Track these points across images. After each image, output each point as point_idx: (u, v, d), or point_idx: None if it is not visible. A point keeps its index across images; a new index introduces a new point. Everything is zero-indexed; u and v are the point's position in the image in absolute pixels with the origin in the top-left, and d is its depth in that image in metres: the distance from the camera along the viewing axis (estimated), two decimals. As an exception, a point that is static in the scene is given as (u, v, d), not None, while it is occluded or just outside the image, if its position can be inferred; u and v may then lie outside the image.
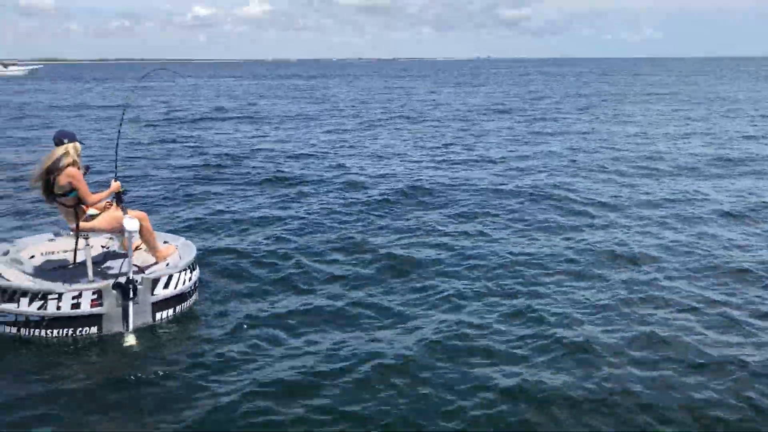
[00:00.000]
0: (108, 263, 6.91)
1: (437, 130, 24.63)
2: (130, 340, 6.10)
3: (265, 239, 9.62)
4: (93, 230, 6.51)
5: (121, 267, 6.61)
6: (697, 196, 12.67)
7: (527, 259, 8.67)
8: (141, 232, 6.64)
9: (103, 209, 6.71)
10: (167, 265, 6.76)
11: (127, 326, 6.22)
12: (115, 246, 7.26)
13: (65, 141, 6.41)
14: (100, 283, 6.21)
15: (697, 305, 7.12)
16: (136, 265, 6.62)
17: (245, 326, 6.51)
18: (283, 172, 15.26)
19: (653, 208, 11.67)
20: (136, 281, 6.29)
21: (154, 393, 5.28)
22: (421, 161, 17.10)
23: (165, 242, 7.42)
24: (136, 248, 7.04)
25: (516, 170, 15.69)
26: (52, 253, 7.11)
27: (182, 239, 7.55)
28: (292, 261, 8.59)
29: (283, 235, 9.79)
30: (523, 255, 8.85)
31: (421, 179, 14.24)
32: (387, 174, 15.06)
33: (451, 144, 20.75)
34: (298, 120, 28.76)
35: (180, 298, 6.67)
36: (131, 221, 6.34)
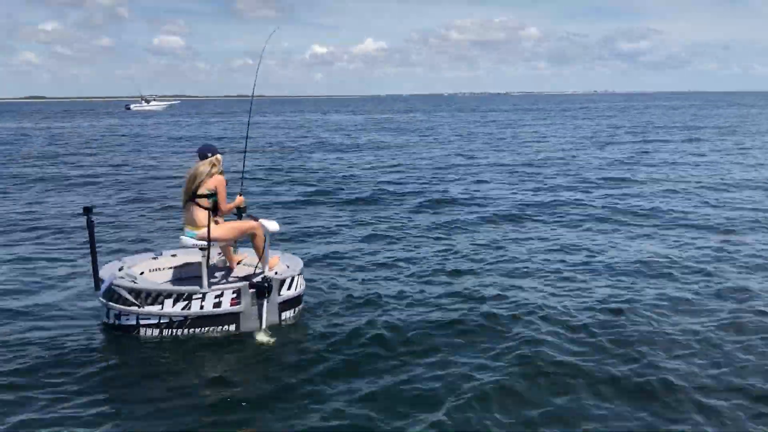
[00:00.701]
0: (213, 273, 7.24)
1: (530, 157, 24.77)
2: (264, 337, 6.46)
3: (366, 255, 9.97)
4: (216, 239, 6.80)
5: (255, 268, 7.09)
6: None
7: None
8: (255, 239, 7.07)
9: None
10: (275, 273, 6.98)
11: (261, 324, 6.62)
12: (213, 259, 7.49)
13: (209, 154, 6.97)
14: (240, 283, 6.60)
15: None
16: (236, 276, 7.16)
17: (350, 333, 6.65)
18: (383, 193, 16.03)
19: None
20: (271, 281, 6.66)
21: (289, 388, 5.50)
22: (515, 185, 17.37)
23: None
24: (239, 262, 7.50)
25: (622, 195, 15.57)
26: (158, 269, 7.44)
27: (281, 252, 7.89)
28: (395, 277, 8.75)
29: (386, 254, 10.06)
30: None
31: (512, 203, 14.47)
32: (481, 197, 15.37)
33: (539, 167, 21.14)
34: (395, 149, 29.77)
35: (297, 300, 7.06)
36: (272, 223, 6.86)
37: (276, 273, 6.99)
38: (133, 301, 6.49)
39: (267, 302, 6.64)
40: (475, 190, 16.49)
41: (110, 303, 6.61)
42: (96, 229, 6.97)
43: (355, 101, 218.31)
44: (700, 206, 13.78)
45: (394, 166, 22.00)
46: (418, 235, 11.33)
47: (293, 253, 8.00)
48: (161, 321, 6.50)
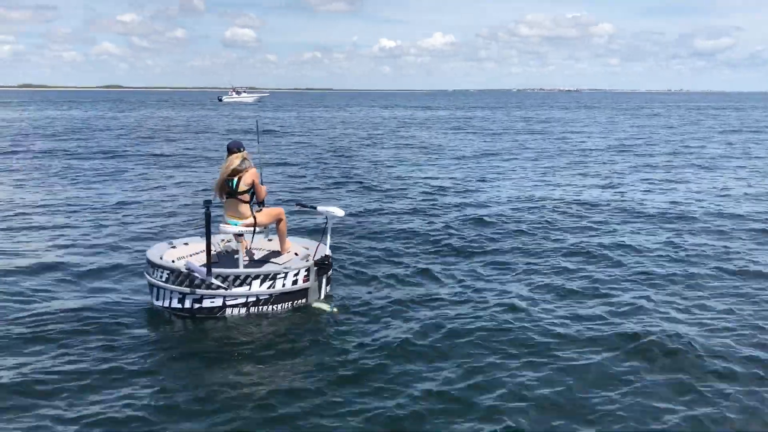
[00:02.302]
0: (235, 258, 7.95)
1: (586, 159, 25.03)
2: (324, 306, 7.74)
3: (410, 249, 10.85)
4: (260, 224, 7.83)
5: (317, 249, 8.06)
6: None
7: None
8: (279, 224, 8.12)
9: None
10: (296, 254, 8.21)
11: (320, 295, 7.91)
12: (232, 245, 8.45)
13: (241, 149, 7.77)
14: (309, 262, 7.70)
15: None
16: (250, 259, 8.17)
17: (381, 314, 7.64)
18: (434, 194, 16.75)
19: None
20: (331, 260, 8.01)
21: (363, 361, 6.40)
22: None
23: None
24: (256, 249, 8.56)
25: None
26: (183, 257, 7.96)
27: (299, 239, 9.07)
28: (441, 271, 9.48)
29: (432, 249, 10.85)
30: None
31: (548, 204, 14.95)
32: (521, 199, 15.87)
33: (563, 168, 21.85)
34: (449, 149, 29.72)
35: (329, 279, 8.23)
36: (340, 209, 8.21)
37: (296, 254, 8.18)
38: (219, 284, 7.23)
39: (325, 277, 7.92)
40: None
41: (191, 288, 7.24)
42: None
43: (421, 96, 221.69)
44: None
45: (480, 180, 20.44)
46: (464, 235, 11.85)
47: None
48: (248, 300, 7.38)
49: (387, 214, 14.03)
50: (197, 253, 8.03)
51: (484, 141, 34.09)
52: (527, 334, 7.03)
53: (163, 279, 7.34)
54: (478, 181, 18.99)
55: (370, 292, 8.41)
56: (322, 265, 7.80)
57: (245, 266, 7.63)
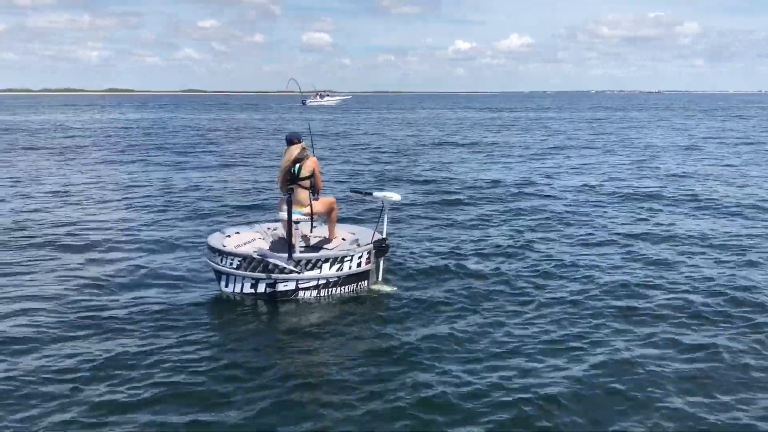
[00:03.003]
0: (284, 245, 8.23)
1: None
2: (383, 287, 8.25)
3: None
4: (316, 212, 8.24)
5: (374, 233, 8.44)
6: None
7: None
8: (331, 212, 8.51)
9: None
10: (343, 239, 8.64)
11: (378, 277, 8.37)
12: (278, 233, 8.82)
13: (300, 140, 8.26)
14: (370, 245, 8.09)
15: None
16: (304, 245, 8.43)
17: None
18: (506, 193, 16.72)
19: None
20: (388, 243, 8.35)
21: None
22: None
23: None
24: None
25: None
26: (245, 243, 8.34)
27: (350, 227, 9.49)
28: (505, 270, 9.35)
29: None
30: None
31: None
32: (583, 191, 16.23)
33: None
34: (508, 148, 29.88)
35: (384, 262, 8.63)
36: (396, 194, 8.50)
37: (344, 239, 8.61)
38: (292, 268, 7.62)
39: (382, 260, 8.35)
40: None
41: (266, 273, 7.65)
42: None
43: (497, 98, 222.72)
44: None
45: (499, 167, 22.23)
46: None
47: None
48: (319, 283, 7.80)
49: (448, 208, 14.47)
50: (252, 241, 8.44)
51: (553, 141, 33.58)
52: (590, 338, 6.82)
53: (234, 266, 7.72)
54: (545, 179, 18.80)
55: (426, 280, 8.78)
56: (379, 248, 8.19)
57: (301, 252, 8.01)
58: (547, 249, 10.43)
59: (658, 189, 16.48)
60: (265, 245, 8.32)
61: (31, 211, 13.70)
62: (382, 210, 8.59)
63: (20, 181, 18.40)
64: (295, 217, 7.85)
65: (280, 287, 7.70)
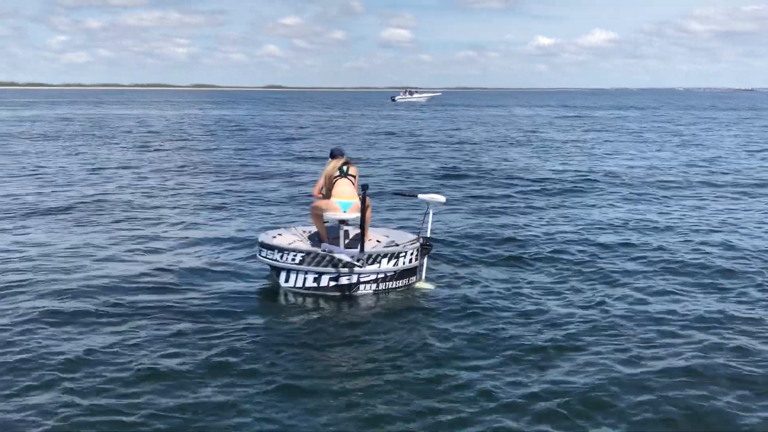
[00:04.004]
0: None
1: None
2: (426, 285, 8.66)
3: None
4: (359, 207, 8.47)
5: (420, 229, 9.00)
6: None
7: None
8: (367, 213, 8.52)
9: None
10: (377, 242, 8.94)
11: (422, 275, 8.80)
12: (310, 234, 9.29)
13: (344, 154, 8.90)
14: (417, 243, 8.61)
15: None
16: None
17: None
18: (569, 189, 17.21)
19: None
20: (429, 242, 8.79)
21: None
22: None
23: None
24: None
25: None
26: (289, 244, 8.66)
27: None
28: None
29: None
30: None
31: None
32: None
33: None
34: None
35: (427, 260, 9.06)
36: (441, 196, 9.00)
37: (378, 241, 8.91)
38: (355, 263, 8.06)
39: (426, 259, 8.82)
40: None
41: (329, 268, 8.11)
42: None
43: (578, 95, 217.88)
44: None
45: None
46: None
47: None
48: (378, 277, 8.28)
49: (502, 208, 14.58)
50: (295, 241, 8.94)
51: (623, 141, 32.52)
52: (632, 352, 6.64)
53: (297, 261, 8.17)
54: (606, 182, 18.43)
55: (470, 280, 9.06)
56: (424, 247, 8.68)
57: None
58: (602, 253, 10.39)
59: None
60: (307, 245, 8.72)
61: (95, 200, 15.05)
62: (426, 211, 8.98)
63: (100, 168, 20.83)
64: (344, 216, 8.46)
65: (343, 281, 8.17)
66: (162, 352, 6.49)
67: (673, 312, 7.73)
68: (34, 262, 9.59)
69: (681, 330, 7.18)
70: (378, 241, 9.00)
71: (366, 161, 23.51)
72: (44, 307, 7.70)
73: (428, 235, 8.89)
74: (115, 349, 6.54)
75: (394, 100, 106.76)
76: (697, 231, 12.06)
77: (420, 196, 9.12)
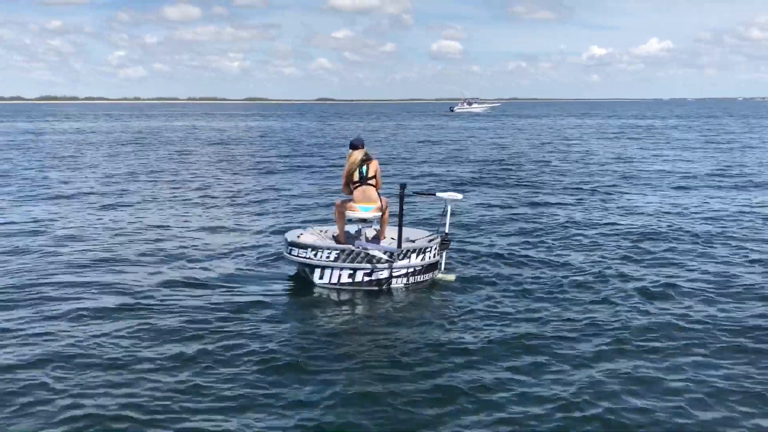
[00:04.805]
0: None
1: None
2: (446, 276, 9.11)
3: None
4: (384, 209, 8.99)
5: (438, 228, 9.46)
6: None
7: None
8: (386, 212, 9.04)
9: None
10: (392, 238, 9.11)
11: (442, 268, 9.27)
12: (330, 234, 9.60)
13: (363, 145, 9.05)
14: (438, 239, 9.09)
15: None
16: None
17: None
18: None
19: None
20: (448, 237, 9.24)
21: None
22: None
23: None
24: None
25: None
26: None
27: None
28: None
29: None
30: None
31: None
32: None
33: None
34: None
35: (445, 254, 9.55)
36: (457, 193, 9.39)
37: (393, 239, 9.05)
38: (388, 258, 8.50)
39: (445, 253, 9.29)
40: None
41: (364, 263, 8.51)
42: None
43: (632, 105, 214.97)
44: None
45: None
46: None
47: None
48: (408, 271, 8.71)
49: (532, 213, 14.60)
50: (320, 239, 9.32)
51: (667, 153, 31.49)
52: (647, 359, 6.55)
53: (332, 258, 8.54)
54: (639, 191, 18.08)
55: (484, 272, 9.55)
56: (443, 242, 9.14)
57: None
58: (629, 264, 10.12)
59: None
60: (328, 243, 9.01)
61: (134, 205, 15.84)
62: (444, 209, 9.32)
63: (140, 174, 22.11)
64: (367, 215, 8.89)
65: (377, 276, 8.59)
66: (204, 345, 6.76)
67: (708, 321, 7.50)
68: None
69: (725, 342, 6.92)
70: (393, 238, 9.15)
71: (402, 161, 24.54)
72: (92, 298, 8.29)
73: (447, 230, 9.25)
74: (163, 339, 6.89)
75: (452, 111, 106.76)
76: (747, 240, 11.60)
77: (438, 194, 9.42)
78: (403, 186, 8.67)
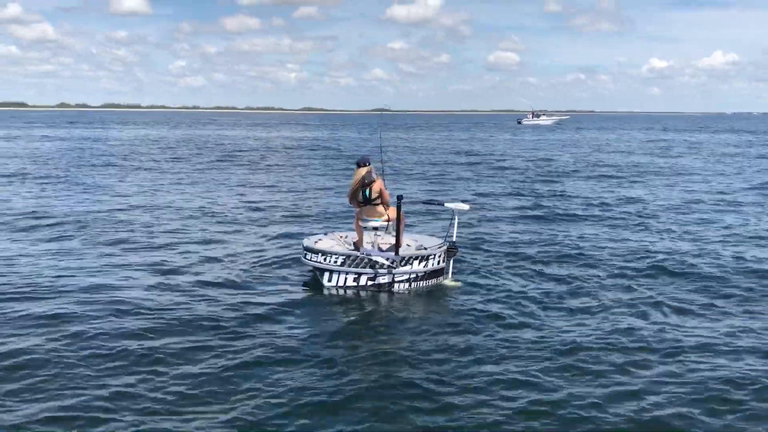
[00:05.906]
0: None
1: None
2: (452, 283, 9.47)
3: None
4: (392, 219, 9.35)
5: (447, 234, 9.84)
6: None
7: None
8: (401, 224, 9.25)
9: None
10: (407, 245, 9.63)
11: (447, 275, 9.62)
12: (348, 240, 10.11)
13: (368, 163, 9.43)
14: (444, 246, 9.48)
15: None
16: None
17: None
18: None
19: None
20: (455, 245, 9.63)
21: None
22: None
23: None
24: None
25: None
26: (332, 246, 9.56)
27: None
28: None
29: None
30: None
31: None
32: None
33: None
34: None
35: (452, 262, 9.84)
36: (465, 204, 9.77)
37: (408, 245, 9.59)
38: (390, 264, 8.97)
39: (451, 261, 9.62)
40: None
41: (367, 269, 9.03)
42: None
43: (694, 119, 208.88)
44: None
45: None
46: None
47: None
48: (410, 277, 9.17)
49: (551, 225, 14.92)
50: (334, 246, 9.64)
51: (718, 164, 31.29)
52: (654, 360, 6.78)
53: (339, 263, 9.06)
54: (665, 210, 17.62)
55: (489, 279, 9.83)
56: (450, 250, 9.50)
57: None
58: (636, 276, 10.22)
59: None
60: (345, 248, 9.52)
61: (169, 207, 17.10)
62: (452, 218, 9.73)
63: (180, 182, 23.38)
64: (376, 224, 9.41)
65: (380, 280, 9.12)
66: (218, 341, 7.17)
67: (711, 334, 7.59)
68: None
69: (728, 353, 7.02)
70: (408, 245, 9.65)
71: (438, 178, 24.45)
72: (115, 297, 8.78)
73: (454, 239, 9.65)
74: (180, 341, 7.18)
75: (520, 123, 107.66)
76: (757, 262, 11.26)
77: (447, 204, 9.82)
78: (399, 198, 9.12)
